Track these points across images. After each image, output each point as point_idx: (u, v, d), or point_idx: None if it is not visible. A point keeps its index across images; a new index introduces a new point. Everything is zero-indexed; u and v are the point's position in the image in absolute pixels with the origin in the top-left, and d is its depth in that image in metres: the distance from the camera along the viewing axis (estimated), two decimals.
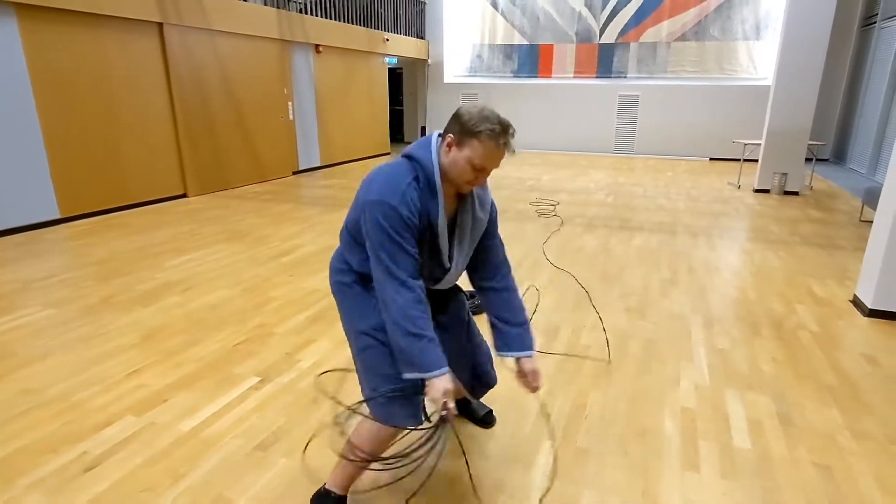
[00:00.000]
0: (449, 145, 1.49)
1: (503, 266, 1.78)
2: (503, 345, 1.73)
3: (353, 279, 1.65)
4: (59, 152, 5.54)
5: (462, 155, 1.46)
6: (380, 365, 1.60)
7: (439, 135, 1.56)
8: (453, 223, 1.63)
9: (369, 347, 1.61)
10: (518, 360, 1.70)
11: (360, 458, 1.60)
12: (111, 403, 2.39)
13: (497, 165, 1.49)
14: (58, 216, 5.58)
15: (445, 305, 1.83)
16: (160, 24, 6.37)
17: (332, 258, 1.74)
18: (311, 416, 2.30)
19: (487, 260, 1.75)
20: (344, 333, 1.73)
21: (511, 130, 1.47)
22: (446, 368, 1.46)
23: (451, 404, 1.43)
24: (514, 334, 1.72)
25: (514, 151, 1.49)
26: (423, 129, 13.90)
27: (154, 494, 1.85)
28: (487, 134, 1.43)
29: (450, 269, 1.66)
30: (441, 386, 1.44)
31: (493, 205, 1.74)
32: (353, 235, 1.61)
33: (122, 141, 6.18)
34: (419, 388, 1.55)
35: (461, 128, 1.45)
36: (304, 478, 1.92)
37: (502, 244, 1.80)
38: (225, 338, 3.05)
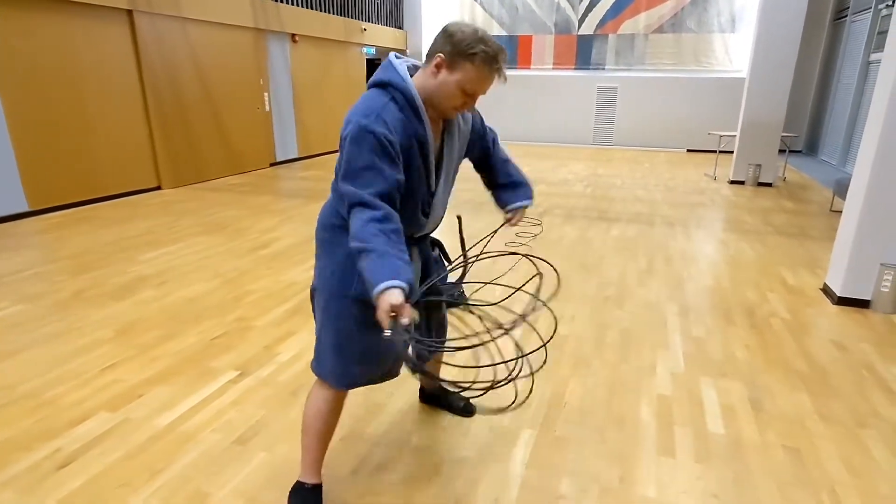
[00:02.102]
0: (437, 66, 1.37)
1: (503, 153, 1.84)
2: (512, 199, 1.81)
3: (346, 235, 1.47)
4: (26, 143, 5.37)
5: (453, 78, 1.36)
6: (341, 338, 1.55)
7: (397, 56, 1.47)
8: (441, 147, 1.55)
9: (339, 315, 1.54)
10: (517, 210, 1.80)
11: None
12: (85, 399, 2.35)
13: (485, 91, 1.40)
14: (27, 209, 5.42)
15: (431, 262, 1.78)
16: (129, 12, 6.20)
17: (321, 211, 1.62)
18: (291, 410, 2.29)
19: (496, 164, 1.82)
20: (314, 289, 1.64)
21: (505, 55, 1.39)
22: (390, 282, 1.20)
23: (405, 318, 1.19)
24: (520, 191, 1.82)
25: (506, 79, 1.41)
26: None
27: (130, 490, 1.83)
28: (482, 57, 1.33)
29: (435, 191, 1.57)
30: (384, 302, 1.19)
31: (477, 115, 1.71)
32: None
33: (93, 132, 6.02)
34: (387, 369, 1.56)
35: (453, 48, 1.34)
36: (284, 471, 1.92)
37: (503, 150, 1.83)
38: (202, 331, 3.01)
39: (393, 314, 1.19)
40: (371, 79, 1.45)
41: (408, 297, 1.22)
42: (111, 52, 6.12)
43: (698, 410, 2.32)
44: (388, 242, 1.27)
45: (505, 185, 1.83)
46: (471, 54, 1.33)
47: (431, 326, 1.78)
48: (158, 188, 6.87)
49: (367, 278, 1.23)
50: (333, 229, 1.55)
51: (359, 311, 1.52)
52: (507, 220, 1.82)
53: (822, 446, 2.10)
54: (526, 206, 1.81)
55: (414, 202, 1.51)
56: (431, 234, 1.77)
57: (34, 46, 5.35)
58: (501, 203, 1.83)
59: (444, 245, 1.88)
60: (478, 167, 1.87)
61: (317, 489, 1.73)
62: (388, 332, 1.21)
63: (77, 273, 3.88)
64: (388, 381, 1.78)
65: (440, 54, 1.36)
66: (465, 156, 1.75)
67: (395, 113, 1.37)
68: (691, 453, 2.05)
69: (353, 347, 1.58)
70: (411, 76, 1.45)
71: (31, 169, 5.44)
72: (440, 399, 2.29)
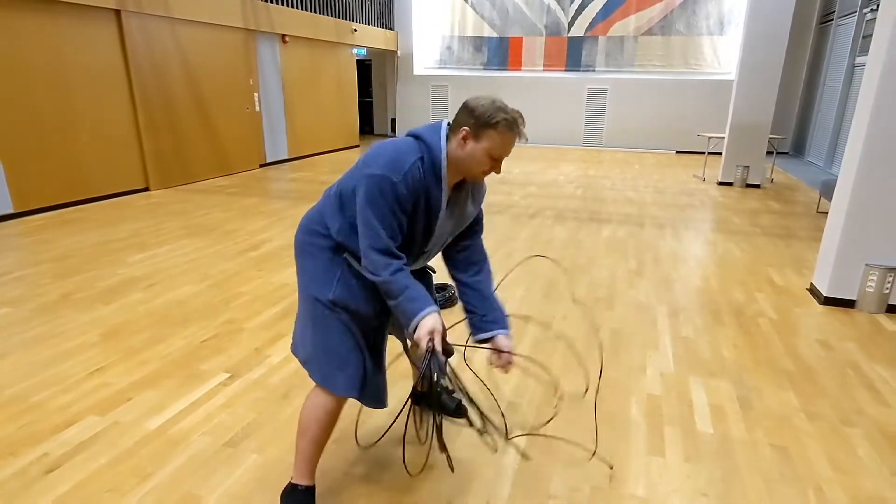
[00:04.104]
0: (464, 138, 1.50)
1: (482, 262, 1.81)
2: (479, 329, 1.71)
3: (329, 245, 1.62)
4: (11, 144, 5.30)
5: (480, 147, 1.49)
6: (330, 340, 1.61)
7: (448, 124, 1.56)
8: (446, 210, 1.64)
9: (321, 318, 1.61)
10: (493, 339, 1.69)
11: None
12: (72, 403, 2.32)
13: (509, 153, 1.53)
14: (11, 210, 5.35)
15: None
16: (117, 12, 6.15)
17: (305, 217, 1.69)
18: (282, 412, 2.28)
19: (468, 257, 1.78)
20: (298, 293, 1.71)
21: (523, 119, 1.51)
22: (430, 308, 1.46)
23: (437, 340, 1.43)
24: (490, 318, 1.71)
25: (526, 139, 1.53)
26: (394, 121, 13.81)
27: (119, 495, 1.81)
28: (504, 124, 1.46)
29: (426, 251, 1.67)
30: (425, 326, 1.44)
31: (480, 209, 1.78)
32: (343, 201, 1.58)
33: (80, 132, 5.95)
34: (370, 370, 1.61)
35: (477, 121, 1.47)
36: (276, 473, 1.91)
37: (482, 242, 1.83)
38: (191, 334, 2.99)
39: (430, 337, 1.42)
40: (416, 129, 1.57)
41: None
42: (99, 53, 6.06)
43: (687, 410, 2.34)
44: (414, 281, 1.50)
45: (483, 301, 1.72)
46: (494, 123, 1.46)
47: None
48: (146, 189, 6.81)
49: (406, 309, 1.47)
50: (316, 235, 1.63)
51: (336, 314, 1.60)
52: (491, 363, 1.71)
53: (808, 444, 2.12)
54: (509, 339, 1.70)
55: (409, 250, 1.61)
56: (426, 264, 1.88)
57: (20, 46, 5.29)
58: (481, 328, 1.71)
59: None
60: (460, 264, 1.79)
61: (310, 491, 1.73)
62: (428, 346, 1.41)
63: (63, 275, 3.84)
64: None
65: (465, 128, 1.49)
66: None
67: (420, 174, 1.50)
68: (681, 452, 2.06)
69: (335, 349, 1.62)
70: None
71: (16, 170, 5.37)
72: (430, 402, 2.28)
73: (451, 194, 1.62)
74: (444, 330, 1.47)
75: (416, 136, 1.55)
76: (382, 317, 1.68)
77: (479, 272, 1.79)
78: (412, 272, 1.74)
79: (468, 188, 1.66)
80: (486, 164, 1.52)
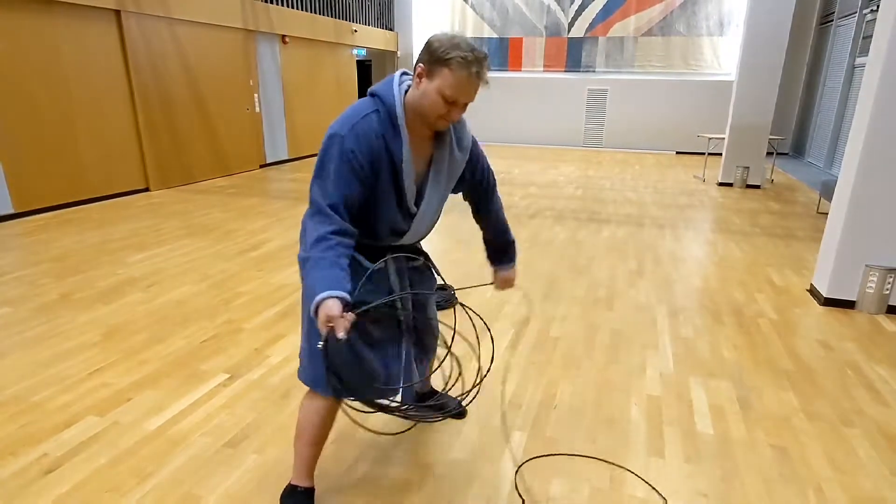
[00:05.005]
0: (419, 76, 1.39)
1: (496, 204, 1.87)
2: (494, 260, 1.96)
3: None
4: (11, 144, 5.30)
5: (432, 86, 1.37)
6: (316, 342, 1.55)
7: (403, 72, 1.50)
8: (428, 166, 1.55)
9: (313, 321, 1.56)
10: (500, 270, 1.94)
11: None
12: (72, 403, 2.32)
13: (471, 98, 1.40)
14: (11, 211, 5.35)
15: (426, 282, 1.79)
16: (117, 12, 6.15)
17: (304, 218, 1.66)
18: (282, 412, 2.28)
19: (495, 227, 1.90)
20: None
21: (486, 60, 1.38)
22: (328, 292, 1.27)
23: (340, 332, 1.23)
24: (502, 252, 1.94)
25: (486, 82, 1.41)
26: None
27: (119, 495, 1.81)
28: (458, 62, 1.33)
29: (415, 213, 1.57)
30: (322, 313, 1.25)
31: (475, 143, 1.67)
32: None
33: (80, 133, 5.95)
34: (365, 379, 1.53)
35: (430, 56, 1.36)
36: (275, 474, 1.91)
37: (494, 186, 1.83)
38: (191, 334, 2.98)
39: (330, 325, 1.24)
40: (374, 86, 1.49)
41: (347, 307, 1.28)
42: (98, 53, 6.06)
43: (687, 410, 2.34)
44: (335, 255, 1.34)
45: (493, 243, 1.95)
46: (446, 59, 1.34)
47: (419, 328, 1.77)
48: (146, 190, 6.81)
49: (309, 286, 1.33)
50: None
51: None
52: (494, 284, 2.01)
53: (808, 444, 2.12)
54: (510, 272, 1.97)
55: (382, 215, 1.52)
56: (418, 244, 1.79)
57: (20, 47, 5.29)
58: (491, 261, 1.98)
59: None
60: (475, 214, 1.89)
61: (309, 493, 1.73)
62: (320, 344, 1.28)
63: (63, 276, 3.84)
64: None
65: (420, 64, 1.39)
66: (458, 188, 1.73)
67: (374, 125, 1.41)
68: (680, 453, 2.06)
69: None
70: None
71: (16, 170, 5.37)
72: (430, 402, 2.28)
73: (433, 150, 1.54)
74: (343, 314, 1.26)
75: (371, 93, 1.48)
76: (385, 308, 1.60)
77: (497, 210, 1.89)
78: (404, 248, 1.67)
79: (448, 138, 1.55)
80: (440, 106, 1.38)
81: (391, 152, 1.44)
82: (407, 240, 1.64)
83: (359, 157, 1.39)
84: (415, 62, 1.42)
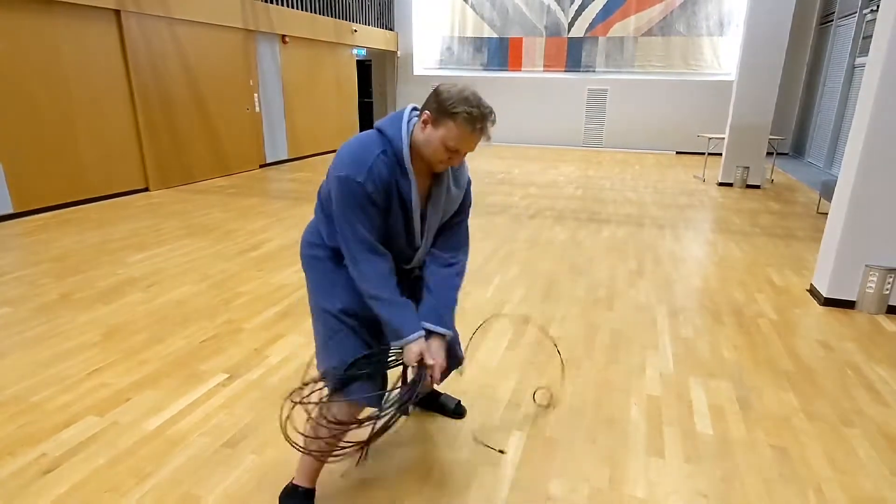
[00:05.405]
0: (425, 122, 1.44)
1: (460, 248, 1.72)
2: (422, 315, 1.59)
3: (326, 254, 1.62)
4: (11, 144, 5.30)
5: (437, 134, 1.42)
6: (343, 350, 1.59)
7: (413, 108, 1.52)
8: (426, 200, 1.59)
9: (336, 332, 1.60)
10: (428, 336, 1.56)
11: (331, 428, 1.56)
12: (71, 403, 2.32)
13: (472, 149, 1.45)
14: (11, 211, 5.35)
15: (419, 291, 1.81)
16: (117, 12, 6.15)
17: (305, 230, 1.71)
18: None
19: (448, 240, 1.69)
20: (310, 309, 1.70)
21: (491, 116, 1.43)
22: (420, 332, 1.52)
23: (430, 361, 1.51)
24: (440, 309, 1.61)
25: (489, 138, 1.45)
26: None
27: (118, 495, 1.81)
28: (464, 117, 1.38)
29: (419, 246, 1.64)
30: (415, 349, 1.50)
31: (469, 183, 1.70)
32: (325, 206, 1.59)
33: (80, 133, 5.95)
34: (378, 368, 1.60)
35: (438, 106, 1.41)
36: (274, 474, 1.90)
37: (467, 228, 1.76)
38: (191, 334, 2.98)
39: (420, 359, 1.50)
40: (379, 121, 1.53)
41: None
42: (98, 53, 6.06)
43: (687, 410, 2.34)
44: (405, 299, 1.54)
45: (436, 297, 1.63)
46: (453, 113, 1.39)
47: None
48: (146, 190, 6.81)
49: (398, 328, 1.51)
50: (314, 247, 1.65)
51: (342, 321, 1.60)
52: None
53: (808, 444, 2.12)
54: (442, 343, 1.60)
55: (396, 245, 1.60)
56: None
57: (19, 47, 5.29)
58: (421, 312, 1.60)
59: None
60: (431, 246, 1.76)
61: (310, 493, 1.73)
62: (417, 371, 1.51)
63: (62, 276, 3.84)
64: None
65: (427, 111, 1.44)
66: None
67: (386, 167, 1.46)
68: (680, 453, 2.06)
69: (338, 349, 1.61)
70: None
71: (16, 170, 5.37)
72: (432, 401, 2.28)
73: (431, 185, 1.57)
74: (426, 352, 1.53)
75: (379, 130, 1.50)
76: None
77: (456, 257, 1.69)
78: (408, 272, 1.73)
79: (447, 174, 1.59)
80: (441, 153, 1.44)
81: (401, 192, 1.51)
82: (413, 264, 1.72)
83: (378, 200, 1.47)
84: (422, 106, 1.48)
